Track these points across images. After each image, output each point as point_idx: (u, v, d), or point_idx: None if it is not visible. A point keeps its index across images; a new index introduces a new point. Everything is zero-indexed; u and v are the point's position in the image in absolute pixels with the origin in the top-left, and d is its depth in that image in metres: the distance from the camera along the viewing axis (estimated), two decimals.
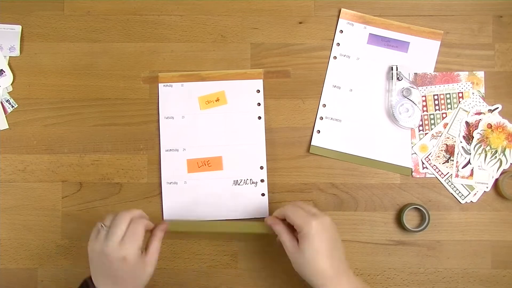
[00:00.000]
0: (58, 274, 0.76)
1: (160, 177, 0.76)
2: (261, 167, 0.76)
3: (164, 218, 0.76)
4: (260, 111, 0.76)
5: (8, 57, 0.77)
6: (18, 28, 0.78)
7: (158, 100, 0.77)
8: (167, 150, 0.76)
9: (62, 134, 0.77)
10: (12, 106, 0.77)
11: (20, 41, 0.78)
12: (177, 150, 0.76)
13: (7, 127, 0.77)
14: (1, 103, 0.77)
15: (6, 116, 0.77)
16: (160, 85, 0.77)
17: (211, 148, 0.76)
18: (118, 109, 0.77)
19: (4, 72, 0.77)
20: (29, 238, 0.76)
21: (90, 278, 0.65)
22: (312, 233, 0.62)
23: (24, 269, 0.76)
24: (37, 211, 0.77)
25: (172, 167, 0.76)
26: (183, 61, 0.78)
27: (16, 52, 0.77)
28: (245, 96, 0.76)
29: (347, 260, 0.65)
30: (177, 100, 0.77)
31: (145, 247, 0.65)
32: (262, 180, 0.76)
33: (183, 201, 0.76)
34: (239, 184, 0.76)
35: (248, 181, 0.76)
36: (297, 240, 0.64)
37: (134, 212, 0.66)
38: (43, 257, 0.76)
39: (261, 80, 0.77)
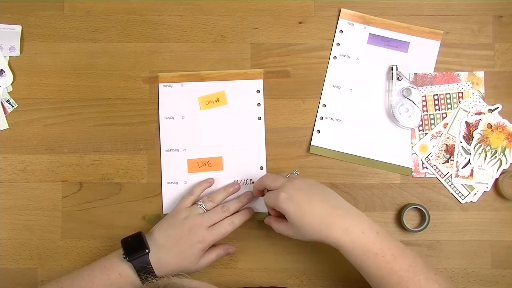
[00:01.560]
0: (58, 274, 0.76)
1: (161, 176, 0.76)
2: (261, 167, 0.76)
3: None
4: (260, 111, 0.76)
5: (8, 57, 0.77)
6: (18, 28, 0.78)
7: (158, 100, 0.77)
8: (167, 150, 0.76)
9: (62, 134, 0.77)
10: (12, 106, 0.77)
11: (20, 41, 0.78)
12: (177, 150, 0.76)
13: (7, 127, 0.77)
14: (1, 103, 0.77)
15: (6, 116, 0.77)
16: (160, 85, 0.77)
17: (211, 149, 0.76)
18: (118, 109, 0.77)
19: (4, 72, 0.77)
20: (29, 238, 0.76)
21: (142, 233, 0.70)
22: (286, 206, 0.64)
23: (24, 269, 0.76)
24: (37, 211, 0.77)
25: (172, 167, 0.76)
26: (183, 61, 0.78)
27: (16, 52, 0.77)
28: (245, 96, 0.76)
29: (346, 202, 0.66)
30: (177, 100, 0.76)
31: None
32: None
33: None
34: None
35: (248, 181, 0.76)
36: None
37: (231, 208, 0.72)
38: (43, 257, 0.76)
39: (261, 80, 0.77)
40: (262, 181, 0.69)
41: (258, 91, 0.76)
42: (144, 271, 0.67)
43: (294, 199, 0.63)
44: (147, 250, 0.67)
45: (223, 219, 0.71)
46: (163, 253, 0.68)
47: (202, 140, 0.76)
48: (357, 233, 0.61)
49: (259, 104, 0.76)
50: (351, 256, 0.61)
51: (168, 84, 0.77)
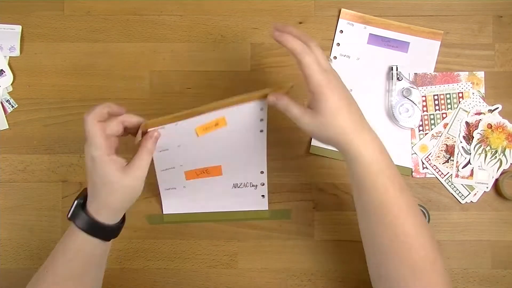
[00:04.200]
0: None
1: (157, 185, 0.72)
2: (262, 172, 0.74)
3: (164, 218, 0.76)
4: (263, 125, 0.67)
5: (8, 57, 0.77)
6: (18, 28, 0.78)
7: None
8: (162, 170, 0.70)
9: (62, 134, 0.77)
10: (12, 106, 0.77)
11: (20, 41, 0.78)
12: (174, 168, 0.70)
13: (7, 127, 0.77)
14: (1, 103, 0.77)
15: (6, 116, 0.77)
16: (150, 130, 0.60)
17: (210, 159, 0.70)
18: None
19: (4, 72, 0.77)
20: (29, 238, 0.76)
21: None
22: (328, 92, 0.57)
23: (24, 269, 0.76)
24: (37, 211, 0.77)
25: (169, 179, 0.72)
26: (183, 61, 0.78)
27: (16, 52, 0.77)
28: (247, 114, 0.66)
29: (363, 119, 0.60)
30: (171, 137, 0.63)
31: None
32: (262, 184, 0.75)
33: (183, 202, 0.75)
34: (238, 187, 0.75)
35: (248, 184, 0.75)
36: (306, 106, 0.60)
37: (96, 109, 0.57)
38: (43, 257, 0.75)
39: (264, 102, 0.64)
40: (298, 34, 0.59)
41: (261, 109, 0.65)
42: (93, 227, 0.58)
43: (339, 89, 0.58)
44: (80, 200, 0.59)
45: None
46: (94, 197, 0.58)
47: (200, 156, 0.69)
48: (378, 150, 0.57)
49: (262, 120, 0.67)
50: (363, 171, 0.57)
51: (160, 126, 0.61)
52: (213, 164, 0.71)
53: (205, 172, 0.72)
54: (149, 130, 0.60)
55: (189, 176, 0.72)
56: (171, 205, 0.76)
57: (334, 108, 0.57)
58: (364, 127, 0.59)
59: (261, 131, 0.68)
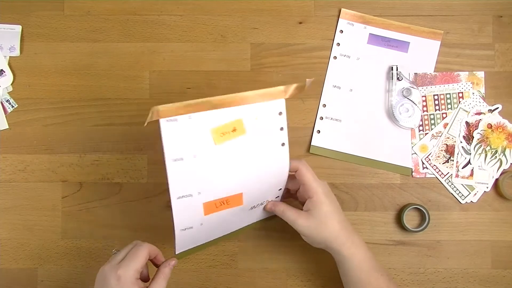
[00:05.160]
0: (58, 274, 0.76)
1: (173, 225, 0.63)
2: (280, 189, 0.69)
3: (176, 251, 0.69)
4: (284, 136, 0.64)
5: (8, 57, 0.77)
6: (18, 28, 0.78)
7: (161, 139, 0.57)
8: (178, 198, 0.61)
9: (62, 134, 0.77)
10: (12, 106, 0.77)
11: (20, 41, 0.78)
12: (191, 196, 0.62)
13: (7, 127, 0.77)
14: (1, 103, 0.77)
15: (6, 116, 0.77)
16: (162, 121, 0.56)
17: (230, 186, 0.64)
18: (118, 109, 0.77)
19: (4, 72, 0.77)
20: (29, 238, 0.76)
21: None
22: (323, 197, 0.65)
23: (24, 269, 0.76)
24: (37, 211, 0.77)
25: (186, 214, 0.63)
26: (183, 61, 0.78)
27: (16, 52, 0.77)
28: (265, 121, 0.62)
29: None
30: (185, 137, 0.59)
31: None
32: (276, 197, 0.71)
33: (197, 240, 0.69)
34: (254, 208, 0.70)
35: (264, 202, 0.70)
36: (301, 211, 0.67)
37: (147, 243, 0.64)
38: (43, 257, 0.76)
39: (283, 100, 0.62)
40: (303, 170, 0.66)
41: (280, 113, 0.62)
42: None
43: (329, 197, 0.66)
44: None
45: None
46: None
47: (220, 179, 0.63)
48: (366, 250, 0.66)
49: (282, 129, 0.63)
50: (357, 269, 0.65)
51: (172, 118, 0.57)
52: (234, 191, 0.65)
53: (225, 203, 0.65)
54: (170, 260, 0.65)
55: (207, 210, 0.64)
56: (185, 245, 0.67)
57: (328, 212, 0.65)
58: (352, 231, 0.67)
59: (283, 144, 0.64)
